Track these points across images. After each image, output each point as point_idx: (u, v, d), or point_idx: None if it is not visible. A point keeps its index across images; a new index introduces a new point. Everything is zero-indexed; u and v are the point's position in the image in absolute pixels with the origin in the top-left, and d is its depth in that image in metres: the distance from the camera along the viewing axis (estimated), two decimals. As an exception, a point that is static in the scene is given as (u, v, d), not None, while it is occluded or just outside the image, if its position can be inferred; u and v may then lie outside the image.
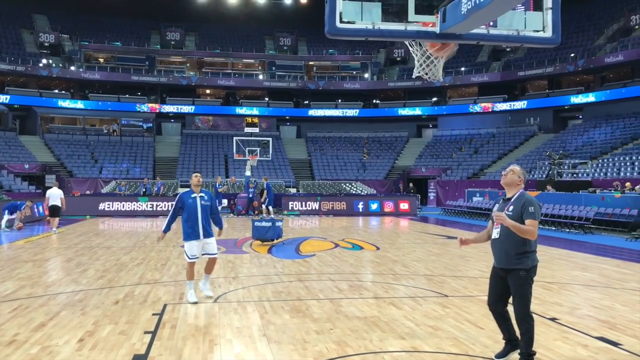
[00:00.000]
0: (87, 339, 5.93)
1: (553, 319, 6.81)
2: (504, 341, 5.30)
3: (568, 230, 18.78)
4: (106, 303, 7.58)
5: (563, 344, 5.83)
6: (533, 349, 5.01)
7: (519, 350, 5.06)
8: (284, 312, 7.13)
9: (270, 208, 24.42)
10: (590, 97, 40.41)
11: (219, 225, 8.05)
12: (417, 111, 48.16)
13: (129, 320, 6.70)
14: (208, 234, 7.79)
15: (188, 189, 7.95)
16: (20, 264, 11.04)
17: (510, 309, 5.25)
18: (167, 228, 7.95)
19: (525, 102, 44.46)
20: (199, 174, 7.98)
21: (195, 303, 7.53)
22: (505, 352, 5.25)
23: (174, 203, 7.95)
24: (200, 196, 7.75)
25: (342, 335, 6.11)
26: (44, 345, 5.68)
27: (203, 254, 7.84)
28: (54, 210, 17.95)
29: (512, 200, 5.12)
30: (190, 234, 7.69)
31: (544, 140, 40.00)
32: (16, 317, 6.79)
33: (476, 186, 31.99)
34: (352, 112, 49.17)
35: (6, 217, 18.36)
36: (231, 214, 26.02)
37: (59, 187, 19.36)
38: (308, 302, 7.67)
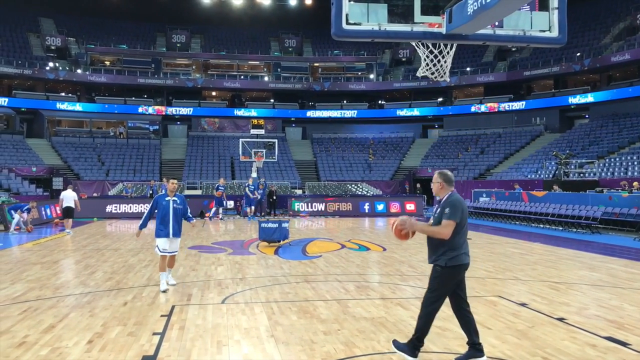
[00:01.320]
0: (96, 340, 5.97)
1: (561, 319, 6.79)
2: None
3: (575, 230, 18.72)
4: (115, 305, 7.62)
5: (571, 344, 5.82)
6: (422, 338, 5.18)
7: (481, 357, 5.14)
8: (291, 313, 7.15)
9: (248, 209, 24.75)
10: (589, 98, 40.34)
11: (189, 220, 9.11)
12: (421, 112, 48.13)
13: (137, 321, 6.73)
14: (176, 234, 8.73)
15: (164, 192, 8.96)
16: (29, 266, 11.11)
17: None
18: (143, 225, 8.87)
19: (524, 102, 44.35)
20: (175, 181, 8.93)
21: (165, 291, 8.49)
22: (465, 356, 5.22)
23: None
24: (173, 200, 8.72)
25: (350, 336, 6.12)
26: (54, 347, 5.72)
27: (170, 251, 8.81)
28: (68, 212, 18.32)
29: (441, 202, 5.27)
30: (162, 231, 8.63)
31: (550, 140, 39.88)
32: (26, 319, 6.84)
33: (482, 186, 31.92)
34: (357, 113, 49.18)
35: (17, 217, 18.50)
36: (237, 215, 26.06)
37: (72, 190, 19.71)
38: (315, 303, 7.69)
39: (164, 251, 8.70)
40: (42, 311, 7.24)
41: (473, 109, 46.48)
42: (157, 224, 8.69)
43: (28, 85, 45.43)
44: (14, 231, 18.24)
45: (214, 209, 24.35)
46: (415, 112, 48.33)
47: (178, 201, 8.75)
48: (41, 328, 6.43)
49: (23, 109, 43.54)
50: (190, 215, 9.19)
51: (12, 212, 18.97)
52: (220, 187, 24.13)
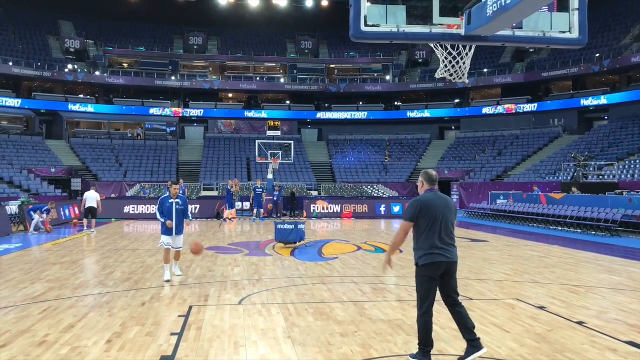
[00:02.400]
0: (115, 340, 6.02)
1: (580, 323, 6.72)
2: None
3: (594, 233, 18.49)
4: (133, 305, 7.68)
5: (591, 347, 5.75)
6: (427, 343, 5.12)
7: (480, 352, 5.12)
8: (308, 314, 7.15)
9: (255, 210, 24.71)
10: (603, 100, 39.90)
11: (188, 217, 9.93)
12: (438, 113, 47.96)
13: (155, 321, 6.78)
14: (179, 232, 9.75)
15: (167, 195, 9.83)
16: (48, 266, 11.24)
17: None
18: (163, 223, 9.75)
19: (536, 104, 43.95)
20: (177, 186, 9.93)
21: (168, 281, 9.38)
22: (465, 355, 5.20)
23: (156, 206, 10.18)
24: (177, 202, 9.71)
25: (367, 338, 6.11)
26: (74, 346, 5.78)
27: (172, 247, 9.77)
28: (91, 212, 18.85)
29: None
30: (166, 230, 9.65)
31: (569, 142, 39.48)
32: (46, 318, 6.92)
33: (500, 188, 31.68)
34: (373, 115, 49.12)
35: (37, 218, 18.76)
36: (253, 217, 26.12)
37: (96, 191, 20.26)
38: (332, 305, 7.68)
39: (168, 245, 9.63)
40: (61, 311, 7.32)
41: (490, 110, 46.17)
42: (162, 223, 9.67)
43: (47, 87, 46.02)
44: (34, 231, 18.48)
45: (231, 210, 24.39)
46: (430, 114, 48.13)
47: (180, 203, 9.73)
48: (61, 327, 6.50)
49: (42, 111, 44.12)
50: (189, 215, 10.01)
51: (32, 213, 19.23)
52: (258, 189, 24.51)
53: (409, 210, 5.14)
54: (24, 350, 5.66)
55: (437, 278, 5.14)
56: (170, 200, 9.69)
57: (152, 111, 46.87)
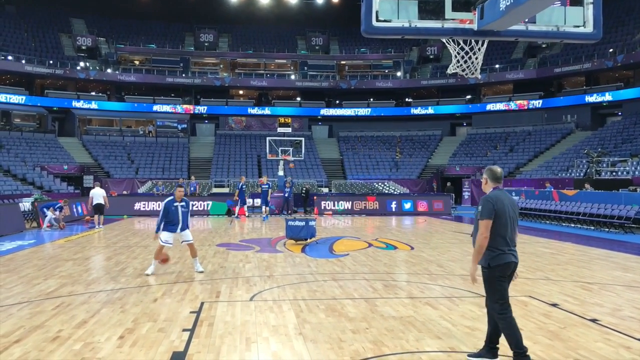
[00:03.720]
0: (127, 336, 6.05)
1: (594, 320, 6.66)
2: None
3: (607, 229, 18.35)
4: (145, 301, 7.72)
5: (605, 345, 5.70)
6: (521, 345, 4.93)
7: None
8: (319, 311, 7.15)
9: (263, 208, 23.95)
10: (607, 97, 39.42)
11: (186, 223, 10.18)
12: (449, 109, 47.74)
13: (167, 317, 6.81)
14: (184, 228, 10.04)
15: (171, 197, 10.09)
16: (61, 262, 11.32)
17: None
18: (158, 229, 9.99)
19: (541, 100, 43.60)
20: (182, 189, 10.20)
21: (148, 275, 9.61)
22: (478, 354, 5.18)
23: (160, 210, 10.17)
24: (181, 205, 10.03)
25: (378, 334, 6.09)
26: (87, 342, 5.82)
27: (182, 241, 10.13)
28: (99, 208, 19.16)
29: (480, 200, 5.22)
30: (170, 228, 9.89)
31: (582, 138, 39.15)
32: (59, 314, 6.97)
33: (512, 185, 31.50)
34: (384, 111, 48.98)
35: (50, 215, 18.94)
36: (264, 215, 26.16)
37: (100, 187, 20.54)
38: (343, 302, 7.67)
39: (166, 242, 9.84)
40: (74, 306, 7.37)
41: (502, 106, 45.85)
42: (166, 223, 9.91)
43: (60, 85, 46.28)
44: (47, 228, 18.64)
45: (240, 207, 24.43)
46: (442, 110, 47.91)
47: (184, 205, 10.08)
48: (74, 323, 6.54)
49: (55, 108, 44.37)
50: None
51: (45, 209, 19.39)
52: (264, 186, 24.14)
53: (486, 207, 4.97)
54: (37, 345, 5.71)
55: (506, 278, 5.04)
56: (175, 204, 9.96)
57: (163, 108, 46.97)
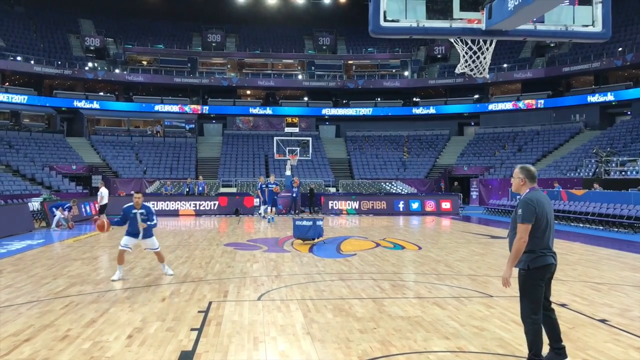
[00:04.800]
0: (135, 335, 6.08)
1: (603, 321, 6.63)
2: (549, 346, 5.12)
3: (617, 229, 18.25)
4: (153, 300, 7.75)
5: (614, 346, 5.67)
6: (539, 353, 4.87)
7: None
8: (326, 310, 7.15)
9: (269, 209, 22.18)
10: (616, 96, 39.13)
11: (152, 225, 9.63)
12: (457, 109, 47.63)
13: (175, 317, 6.83)
14: (146, 236, 9.55)
15: (131, 204, 9.52)
16: (70, 262, 11.39)
17: (557, 310, 5.08)
18: (113, 222, 9.94)
19: (556, 99, 43.38)
20: (140, 195, 9.65)
21: (114, 280, 9.15)
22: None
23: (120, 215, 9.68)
24: (140, 212, 9.46)
25: (386, 334, 6.09)
26: (95, 341, 5.85)
27: (145, 249, 9.99)
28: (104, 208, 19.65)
29: (519, 201, 5.04)
30: (131, 233, 9.50)
31: (590, 137, 38.91)
32: (68, 313, 7.01)
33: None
34: (391, 111, 48.91)
35: (58, 215, 19.06)
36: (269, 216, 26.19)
37: (105, 187, 21.08)
38: (351, 301, 7.67)
39: (125, 246, 9.43)
40: (83, 306, 7.41)
41: (510, 105, 45.66)
42: (127, 229, 9.57)
43: (68, 85, 46.54)
44: (56, 228, 18.75)
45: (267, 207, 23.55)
46: (449, 109, 47.80)
47: (144, 212, 9.49)
48: (83, 322, 6.58)
49: (63, 108, 44.60)
50: (155, 220, 9.68)
51: (54, 209, 19.51)
52: (270, 184, 23.00)
53: (528, 211, 4.82)
54: (47, 344, 5.75)
55: (544, 281, 4.95)
56: (134, 211, 9.48)
57: (171, 108, 47.15)
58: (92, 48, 48.41)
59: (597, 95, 41.29)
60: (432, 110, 48.15)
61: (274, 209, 22.60)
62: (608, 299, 7.82)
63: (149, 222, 9.48)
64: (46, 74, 43.35)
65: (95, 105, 45.58)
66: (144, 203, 9.69)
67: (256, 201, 25.05)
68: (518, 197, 5.28)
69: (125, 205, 9.61)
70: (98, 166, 39.00)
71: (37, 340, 5.89)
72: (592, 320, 6.65)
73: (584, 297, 7.95)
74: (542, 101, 44.44)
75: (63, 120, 45.46)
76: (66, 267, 10.62)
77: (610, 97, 40.50)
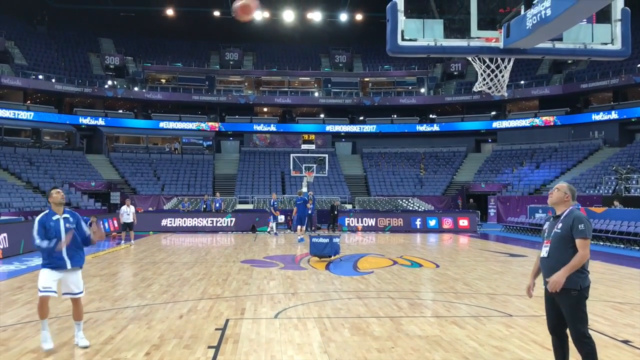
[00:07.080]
0: (153, 352, 6.09)
1: (626, 342, 6.51)
2: None
3: (638, 248, 17.96)
4: (171, 317, 7.76)
5: (638, 368, 5.56)
6: None
7: None
8: (344, 329, 7.11)
9: (298, 227, 21.03)
10: (614, 115, 38.73)
11: (88, 239, 6.53)
12: (474, 126, 47.47)
13: (192, 334, 6.83)
14: (76, 263, 6.30)
15: (47, 211, 6.40)
16: (88, 278, 11.46)
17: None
18: (37, 246, 6.20)
19: (574, 116, 43.03)
20: (60, 190, 6.50)
21: (49, 349, 6.06)
22: None
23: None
24: (65, 217, 6.34)
25: (404, 354, 6.03)
26: (113, 358, 5.87)
27: (64, 294, 6.34)
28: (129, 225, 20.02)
29: (562, 217, 4.93)
30: (51, 260, 6.14)
31: (610, 155, 38.51)
32: (86, 329, 7.04)
33: (538, 202, 31.04)
34: (408, 128, 48.89)
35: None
36: (288, 230, 26.23)
37: (122, 204, 21.39)
38: (368, 320, 7.62)
39: (45, 290, 6.11)
40: (101, 322, 7.45)
41: (528, 122, 45.42)
42: (44, 254, 6.20)
43: (88, 103, 47.28)
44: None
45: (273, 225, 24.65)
46: (466, 126, 47.66)
47: (71, 219, 6.36)
48: (101, 339, 6.61)
49: (83, 126, 45.25)
50: (88, 233, 6.54)
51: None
52: (276, 203, 23.90)
53: (589, 227, 4.77)
54: (65, 361, 5.77)
55: None
56: (55, 217, 6.30)
57: (189, 125, 47.62)
58: (111, 66, 49.20)
59: (615, 112, 40.92)
60: (448, 127, 48.05)
61: (303, 227, 21.28)
62: (631, 319, 7.68)
63: (84, 232, 6.41)
64: (67, 92, 44.08)
65: (114, 122, 46.19)
66: (68, 208, 6.60)
67: (271, 219, 25.09)
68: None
69: (40, 216, 6.39)
70: (117, 183, 39.38)
71: (56, 357, 5.92)
72: (615, 341, 6.53)
73: (606, 317, 7.82)
74: (560, 118, 44.16)
75: (83, 138, 46.09)
76: (85, 284, 10.66)
77: (629, 114, 40.12)
